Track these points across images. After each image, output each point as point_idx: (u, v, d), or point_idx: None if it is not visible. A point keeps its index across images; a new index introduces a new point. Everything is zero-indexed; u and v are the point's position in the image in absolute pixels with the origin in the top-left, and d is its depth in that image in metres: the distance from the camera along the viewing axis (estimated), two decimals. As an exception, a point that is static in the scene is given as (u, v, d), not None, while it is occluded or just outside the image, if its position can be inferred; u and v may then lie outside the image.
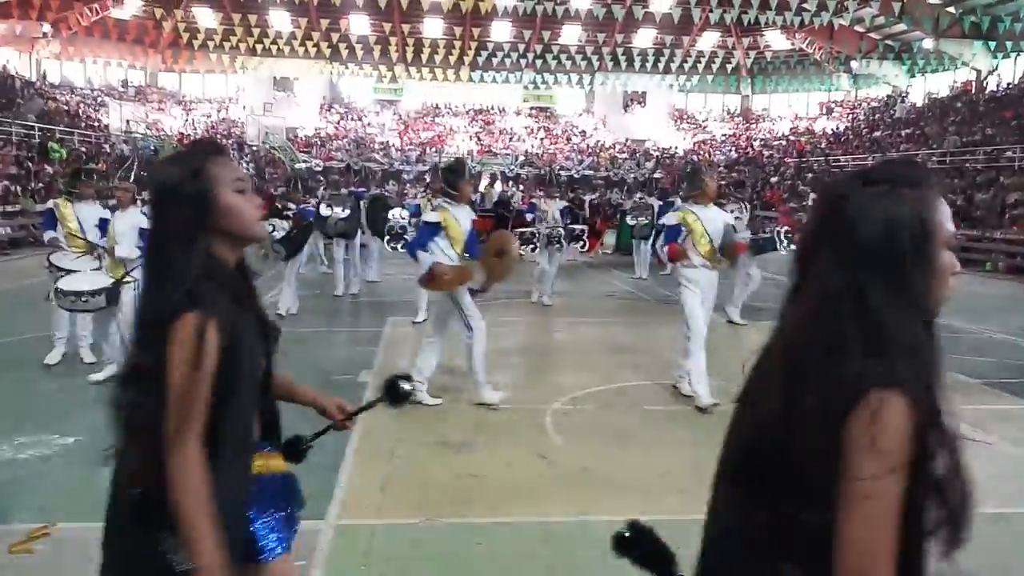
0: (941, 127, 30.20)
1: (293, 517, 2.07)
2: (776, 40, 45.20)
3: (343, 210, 10.85)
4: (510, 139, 45.43)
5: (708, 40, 44.56)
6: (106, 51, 41.97)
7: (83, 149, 28.41)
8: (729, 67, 46.18)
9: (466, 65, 45.07)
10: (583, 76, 47.31)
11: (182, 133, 39.22)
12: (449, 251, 5.90)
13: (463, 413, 5.81)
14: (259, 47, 42.10)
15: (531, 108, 48.84)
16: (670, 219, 6.36)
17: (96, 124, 34.67)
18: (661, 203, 14.98)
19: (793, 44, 44.87)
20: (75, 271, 6.41)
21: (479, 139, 45.08)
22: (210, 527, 1.67)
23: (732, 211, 7.83)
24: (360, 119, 46.45)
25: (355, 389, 6.23)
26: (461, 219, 5.96)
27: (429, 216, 6.14)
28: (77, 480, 4.45)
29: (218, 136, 40.50)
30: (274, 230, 9.07)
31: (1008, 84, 31.48)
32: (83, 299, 6.14)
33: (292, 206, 9.86)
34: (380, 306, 10.69)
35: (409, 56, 44.43)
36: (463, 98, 48.37)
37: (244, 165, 30.73)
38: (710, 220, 6.21)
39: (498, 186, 23.09)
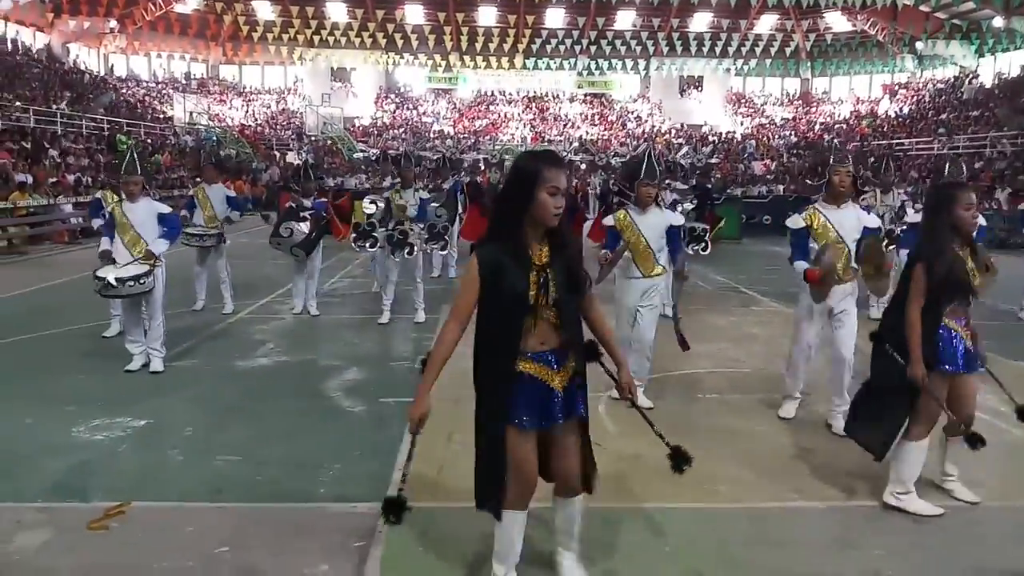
0: (1012, 108, 29.13)
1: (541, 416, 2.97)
2: (837, 22, 44.10)
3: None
4: (564, 126, 45.27)
5: (766, 23, 43.74)
6: (169, 45, 43.17)
7: (149, 140, 29.23)
8: (788, 50, 45.24)
9: (520, 52, 45.05)
10: (638, 61, 46.84)
11: (243, 124, 40.03)
12: (631, 259, 5.64)
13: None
14: (316, 38, 42.80)
15: (585, 94, 48.55)
16: (796, 222, 5.31)
17: (161, 116, 35.61)
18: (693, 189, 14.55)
19: (855, 25, 43.71)
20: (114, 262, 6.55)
21: (533, 126, 45.03)
22: (431, 375, 2.83)
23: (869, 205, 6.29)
24: (415, 108, 46.80)
25: (411, 374, 6.31)
26: (642, 223, 5.56)
27: (606, 219, 5.85)
28: (148, 461, 4.65)
29: (278, 126, 41.23)
30: (291, 235, 8.70)
31: (1084, 62, 30.23)
32: (127, 284, 6.29)
33: (307, 203, 8.99)
34: (439, 294, 10.71)
35: (463, 44, 44.58)
36: (517, 85, 48.29)
37: (303, 155, 31.17)
38: (842, 223, 5.20)
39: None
